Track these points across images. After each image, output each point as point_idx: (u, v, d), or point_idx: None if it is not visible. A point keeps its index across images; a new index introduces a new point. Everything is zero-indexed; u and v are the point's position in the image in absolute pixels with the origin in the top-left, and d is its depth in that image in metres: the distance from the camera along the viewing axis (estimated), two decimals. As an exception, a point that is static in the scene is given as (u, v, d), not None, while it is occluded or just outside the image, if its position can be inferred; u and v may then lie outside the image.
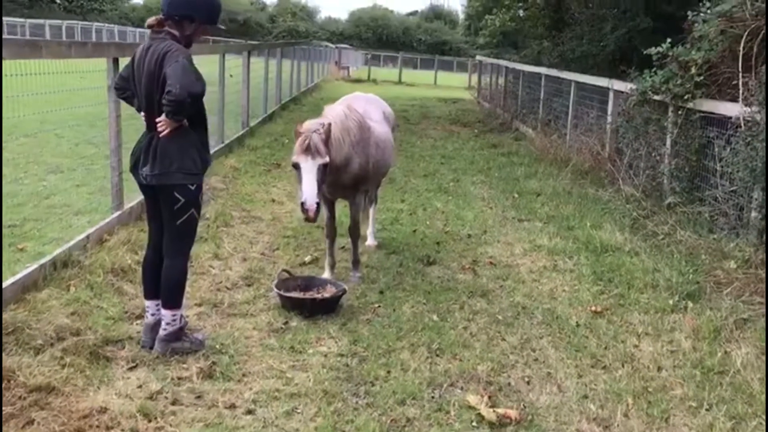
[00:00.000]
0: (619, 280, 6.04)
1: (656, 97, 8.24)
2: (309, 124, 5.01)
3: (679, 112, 7.57)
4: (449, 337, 4.75)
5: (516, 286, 5.88)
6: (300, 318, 4.87)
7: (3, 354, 3.76)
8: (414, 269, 6.11)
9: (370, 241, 6.72)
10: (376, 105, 6.27)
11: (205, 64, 10.82)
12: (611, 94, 10.22)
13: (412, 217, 7.95)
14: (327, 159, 4.87)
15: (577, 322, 5.17)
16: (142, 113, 4.13)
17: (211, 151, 9.96)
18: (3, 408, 3.37)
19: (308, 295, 5.13)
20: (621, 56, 13.52)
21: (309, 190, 4.77)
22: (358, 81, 33.17)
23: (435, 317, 5.10)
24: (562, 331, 5.01)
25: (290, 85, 19.44)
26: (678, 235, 6.96)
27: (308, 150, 4.81)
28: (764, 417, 3.87)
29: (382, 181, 6.72)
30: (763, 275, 5.63)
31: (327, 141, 4.91)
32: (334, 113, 5.34)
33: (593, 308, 5.43)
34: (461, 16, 63.68)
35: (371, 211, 6.75)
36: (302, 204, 4.77)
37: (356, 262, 5.82)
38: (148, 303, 4.26)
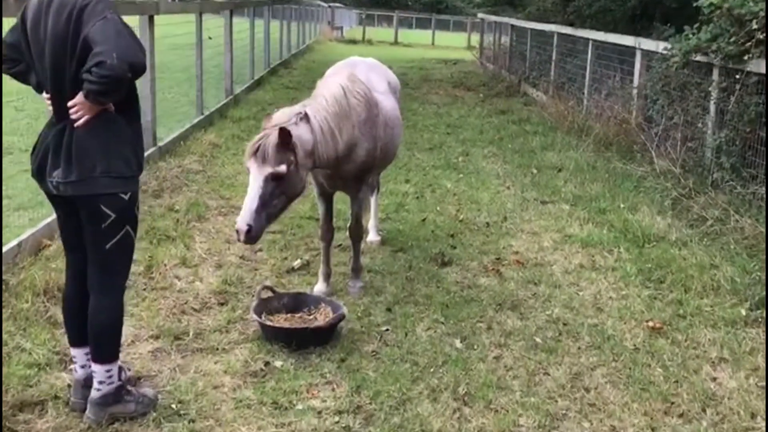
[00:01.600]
0: (672, 281, 5.09)
1: (699, 58, 7.11)
2: (280, 115, 3.83)
3: (737, 76, 6.42)
4: (479, 374, 3.71)
5: (552, 293, 4.84)
6: (286, 352, 3.77)
7: None
8: (427, 273, 5.04)
9: (373, 236, 5.60)
10: (379, 72, 5.03)
11: (177, 24, 9.69)
12: (638, 55, 9.07)
13: (420, 202, 6.85)
14: (282, 168, 3.64)
15: (634, 345, 4.18)
16: (46, 95, 2.93)
17: (189, 125, 8.91)
18: None
19: (296, 318, 4.04)
20: (642, 12, 12.30)
21: (245, 206, 3.63)
22: (352, 42, 31.80)
23: (458, 343, 4.05)
24: (618, 359, 4.00)
25: (280, 48, 18.22)
26: (732, 222, 5.94)
27: (255, 153, 3.65)
28: None
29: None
30: None
31: (288, 143, 3.67)
32: (329, 92, 4.12)
33: (650, 323, 4.44)
34: (457, -28, 61.64)
35: (373, 200, 5.62)
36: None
37: (357, 270, 4.71)
38: (74, 352, 3.13)
